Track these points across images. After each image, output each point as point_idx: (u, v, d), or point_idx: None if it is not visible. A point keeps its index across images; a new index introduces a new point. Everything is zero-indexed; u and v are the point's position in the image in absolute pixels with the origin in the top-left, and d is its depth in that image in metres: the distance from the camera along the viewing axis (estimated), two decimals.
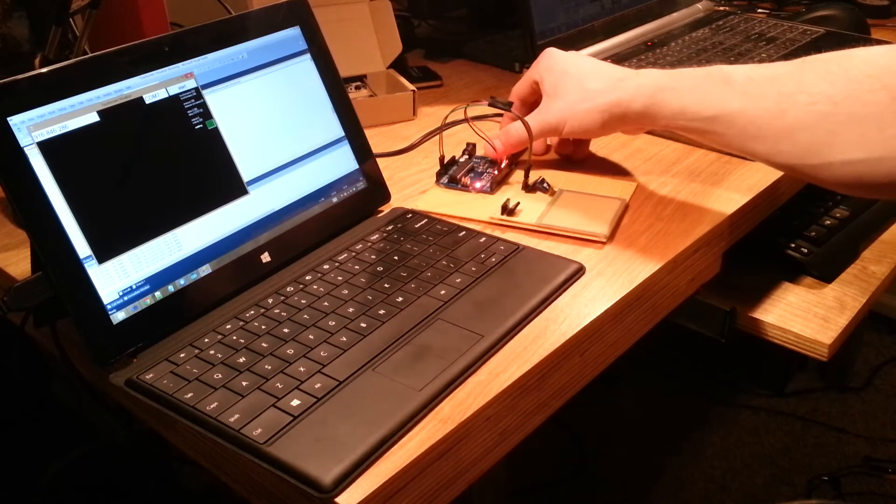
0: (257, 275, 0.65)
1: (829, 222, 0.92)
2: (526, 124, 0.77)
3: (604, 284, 0.65)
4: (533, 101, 0.82)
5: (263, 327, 0.59)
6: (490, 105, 0.82)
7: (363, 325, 0.59)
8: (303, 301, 0.62)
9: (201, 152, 0.64)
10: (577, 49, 1.04)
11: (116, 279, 0.57)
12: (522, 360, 0.57)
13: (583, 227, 0.71)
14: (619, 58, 1.04)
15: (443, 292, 0.62)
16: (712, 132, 0.68)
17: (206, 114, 0.64)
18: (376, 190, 0.75)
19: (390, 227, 0.71)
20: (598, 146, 0.88)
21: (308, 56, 0.72)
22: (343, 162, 0.73)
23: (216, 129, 0.65)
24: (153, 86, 0.61)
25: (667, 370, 1.76)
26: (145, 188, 0.60)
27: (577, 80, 0.75)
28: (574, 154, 0.84)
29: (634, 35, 1.11)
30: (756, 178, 0.80)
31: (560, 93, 0.76)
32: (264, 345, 0.58)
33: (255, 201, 0.66)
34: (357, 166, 0.74)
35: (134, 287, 0.58)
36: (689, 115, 0.69)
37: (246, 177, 0.66)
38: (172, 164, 0.62)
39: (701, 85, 0.69)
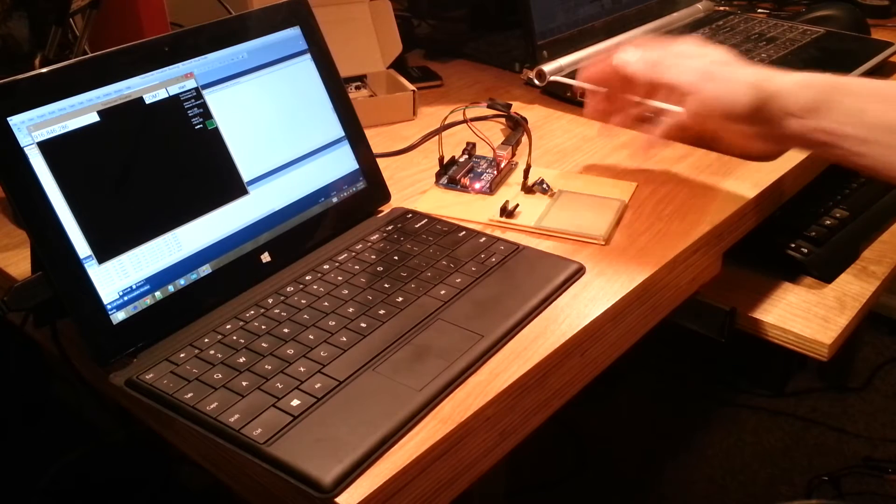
0: (257, 275, 0.65)
1: (829, 222, 0.92)
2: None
3: (604, 284, 0.65)
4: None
5: (263, 327, 0.59)
6: (489, 107, 0.82)
7: (363, 325, 0.59)
8: (303, 301, 0.62)
9: (201, 152, 0.64)
10: (577, 49, 1.04)
11: (116, 279, 0.57)
12: (523, 360, 0.57)
13: (581, 229, 0.71)
14: None
15: (443, 292, 0.62)
16: (888, 145, 0.61)
17: (206, 114, 0.64)
18: (376, 190, 0.75)
19: (390, 227, 0.71)
20: (598, 146, 0.88)
21: (308, 56, 0.72)
22: (343, 162, 0.73)
23: (216, 129, 0.65)
24: (153, 86, 0.61)
25: (667, 370, 1.76)
26: (145, 188, 0.60)
27: (711, 55, 0.66)
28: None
29: (634, 35, 1.11)
30: (757, 178, 0.80)
31: (687, 55, 0.67)
32: (264, 345, 0.58)
33: (255, 201, 0.66)
34: (357, 166, 0.74)
35: (134, 287, 0.58)
36: (868, 121, 0.61)
37: (246, 177, 0.66)
38: (172, 164, 0.62)
39: (882, 90, 0.62)
